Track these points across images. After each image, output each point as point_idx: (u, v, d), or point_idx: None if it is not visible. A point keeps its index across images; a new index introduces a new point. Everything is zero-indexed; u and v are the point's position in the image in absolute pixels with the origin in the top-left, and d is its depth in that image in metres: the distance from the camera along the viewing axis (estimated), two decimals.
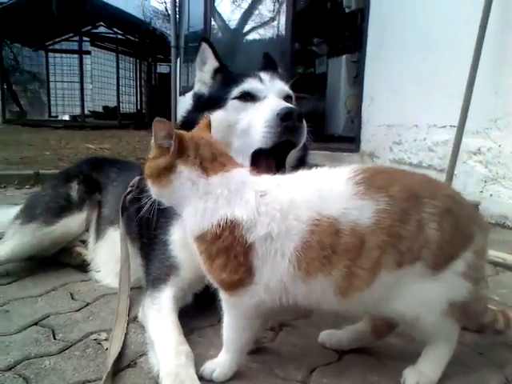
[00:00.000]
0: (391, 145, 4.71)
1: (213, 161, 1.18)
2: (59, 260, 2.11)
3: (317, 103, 7.61)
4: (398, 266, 1.11)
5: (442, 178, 3.78)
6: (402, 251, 1.10)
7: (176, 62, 12.03)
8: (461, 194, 1.28)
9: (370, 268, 1.10)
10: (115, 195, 2.09)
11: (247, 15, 8.99)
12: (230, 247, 1.11)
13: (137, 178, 1.89)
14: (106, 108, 16.64)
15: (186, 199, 1.18)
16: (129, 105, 16.27)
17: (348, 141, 6.01)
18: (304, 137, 1.55)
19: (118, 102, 14.40)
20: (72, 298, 1.77)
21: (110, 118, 14.55)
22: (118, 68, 14.31)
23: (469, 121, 3.29)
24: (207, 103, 1.67)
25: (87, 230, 2.15)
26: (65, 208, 2.12)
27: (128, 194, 1.87)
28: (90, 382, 1.24)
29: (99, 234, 2.09)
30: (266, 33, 8.67)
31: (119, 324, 1.48)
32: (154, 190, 1.23)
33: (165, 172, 1.17)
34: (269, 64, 1.87)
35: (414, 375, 1.20)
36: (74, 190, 2.20)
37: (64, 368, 1.30)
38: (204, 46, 1.71)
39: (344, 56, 7.17)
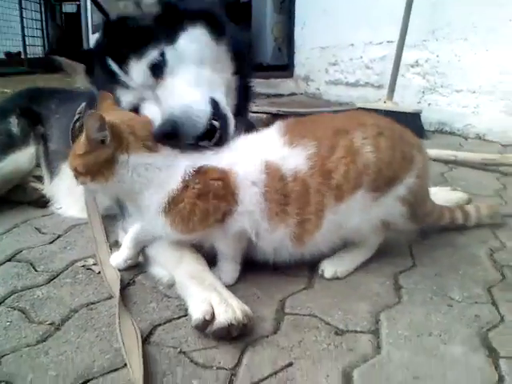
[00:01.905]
0: (327, 66, 4.72)
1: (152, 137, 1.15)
2: (13, 199, 1.95)
3: (243, 32, 7.38)
4: (338, 201, 1.16)
5: (381, 93, 3.89)
6: (339, 185, 1.15)
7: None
8: (393, 122, 1.33)
9: (316, 212, 1.15)
10: (61, 127, 1.94)
11: None
12: (208, 190, 1.12)
13: (83, 104, 1.76)
14: (8, 54, 15.16)
15: (140, 185, 1.13)
16: (35, 48, 14.95)
17: (277, 69, 5.94)
18: (199, 120, 1.21)
19: (24, 45, 13.20)
20: (40, 232, 1.65)
21: (14, 65, 13.33)
22: (21, 9, 13.00)
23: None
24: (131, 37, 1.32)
25: (38, 166, 1.99)
26: (9, 144, 1.94)
27: (76, 121, 1.74)
28: (93, 303, 1.18)
29: (53, 170, 1.94)
30: None
31: (101, 250, 1.42)
32: (92, 188, 1.16)
33: (106, 165, 1.10)
34: None
35: (332, 265, 1.28)
36: (14, 124, 2.00)
37: (60, 295, 1.22)
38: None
39: None
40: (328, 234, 1.22)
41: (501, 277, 1.29)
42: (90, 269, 1.37)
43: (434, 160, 2.33)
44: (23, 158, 1.91)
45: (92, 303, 1.19)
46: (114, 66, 1.33)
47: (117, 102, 1.32)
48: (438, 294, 1.21)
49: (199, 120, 1.20)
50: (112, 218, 1.62)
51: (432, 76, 3.48)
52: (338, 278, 1.28)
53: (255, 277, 1.28)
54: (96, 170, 1.10)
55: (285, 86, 5.34)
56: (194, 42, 1.32)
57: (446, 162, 2.39)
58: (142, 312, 1.15)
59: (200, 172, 1.13)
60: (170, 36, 1.30)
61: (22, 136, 1.94)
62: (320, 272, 1.29)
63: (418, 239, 1.51)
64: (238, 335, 1.01)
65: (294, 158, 1.17)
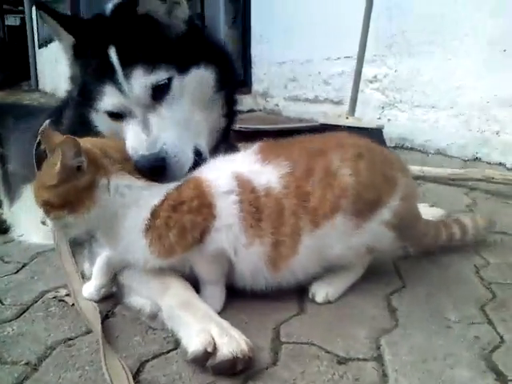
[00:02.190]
0: (285, 82, 4.74)
1: (126, 159, 1.10)
2: None
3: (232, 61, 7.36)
4: (314, 227, 1.12)
5: (340, 109, 3.93)
6: (315, 208, 1.11)
7: (31, 11, 10.81)
8: (373, 143, 1.30)
9: (291, 234, 1.11)
10: (20, 147, 1.81)
11: None
12: (182, 201, 1.07)
13: (47, 122, 1.64)
14: None
15: (124, 206, 1.06)
16: None
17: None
18: (184, 167, 1.21)
19: None
20: (3, 261, 1.52)
21: None
22: None
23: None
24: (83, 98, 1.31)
25: None
26: None
27: (39, 143, 1.62)
28: (71, 339, 1.08)
29: (13, 194, 1.80)
30: None
31: (74, 280, 1.31)
32: (69, 221, 1.04)
33: (85, 193, 1.01)
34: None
35: (323, 288, 1.23)
36: None
37: (33, 331, 1.11)
38: (43, 15, 1.28)
39: None
40: (306, 261, 1.16)
41: (491, 295, 1.28)
42: (63, 300, 1.27)
43: None
44: None
45: (70, 339, 1.08)
46: (115, 60, 1.21)
47: (96, 98, 1.23)
48: (433, 315, 1.18)
49: (184, 166, 1.19)
50: (80, 245, 1.52)
51: (391, 91, 3.54)
52: (329, 302, 1.23)
53: (241, 303, 1.21)
54: (75, 200, 1.00)
55: (242, 102, 5.32)
56: (200, 82, 1.28)
57: (414, 177, 2.41)
58: (126, 347, 1.05)
59: (179, 184, 1.10)
60: (184, 64, 1.24)
61: None
62: (310, 296, 1.24)
63: (401, 255, 1.48)
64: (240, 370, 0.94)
65: (266, 175, 1.13)
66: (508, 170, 2.73)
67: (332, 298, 1.23)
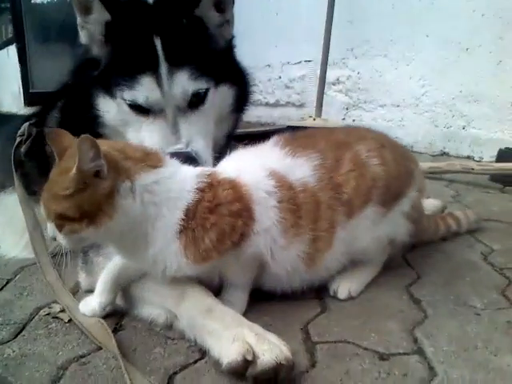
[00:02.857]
0: None
1: (147, 154, 0.97)
2: None
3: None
4: (349, 217, 1.09)
5: (302, 112, 3.94)
6: (350, 200, 1.08)
7: None
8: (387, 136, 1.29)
9: (328, 228, 1.07)
10: None
11: None
12: (219, 202, 0.96)
13: (26, 125, 1.51)
14: None
15: (155, 205, 0.93)
16: None
17: None
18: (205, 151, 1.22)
19: None
20: None
21: None
22: None
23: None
24: (94, 69, 1.23)
25: None
26: None
27: (18, 145, 1.49)
28: (83, 356, 0.96)
29: None
30: None
31: (62, 294, 1.20)
32: (86, 235, 0.89)
33: (106, 201, 0.87)
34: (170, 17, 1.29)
35: (345, 284, 1.19)
36: None
37: (37, 350, 0.98)
38: None
39: None
40: (338, 254, 1.12)
41: (506, 280, 1.27)
42: (57, 317, 1.13)
43: None
44: None
45: (82, 356, 0.97)
46: (161, 53, 1.16)
47: (126, 86, 1.15)
48: (458, 303, 1.15)
49: None
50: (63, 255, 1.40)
51: (354, 93, 3.57)
52: (351, 298, 1.18)
53: (261, 305, 1.13)
54: (94, 209, 0.86)
55: None
56: (224, 99, 1.30)
57: None
58: (148, 360, 0.95)
59: (211, 181, 0.98)
60: (218, 79, 1.25)
61: None
62: (332, 293, 1.18)
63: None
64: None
65: (300, 169, 1.07)
66: (476, 162, 2.79)
67: (355, 294, 1.18)
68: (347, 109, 3.65)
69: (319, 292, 1.20)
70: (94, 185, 0.85)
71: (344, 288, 1.18)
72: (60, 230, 0.88)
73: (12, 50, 6.25)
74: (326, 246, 1.08)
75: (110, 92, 1.19)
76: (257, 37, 4.33)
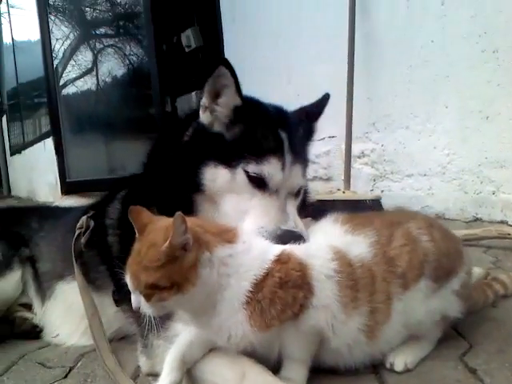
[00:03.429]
0: None
1: (224, 230, 1.10)
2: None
3: None
4: (404, 289, 1.15)
5: (329, 185, 4.04)
6: (404, 273, 1.15)
7: (1, 119, 11.02)
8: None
9: (385, 300, 1.13)
10: (50, 246, 1.79)
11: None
12: (288, 279, 1.04)
13: (84, 218, 1.63)
14: None
15: (227, 276, 1.03)
16: None
17: None
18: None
19: None
20: (45, 366, 1.42)
21: None
22: None
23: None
24: (213, 142, 1.36)
25: (23, 292, 1.77)
26: None
27: (78, 237, 1.60)
28: None
29: (44, 293, 1.73)
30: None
31: (123, 380, 1.25)
32: (172, 304, 1.00)
33: (190, 270, 0.99)
34: (312, 117, 1.64)
35: (401, 356, 1.21)
36: None
37: None
38: (223, 70, 1.30)
39: (193, 93, 7.30)
40: (397, 326, 1.16)
41: None
42: None
43: None
44: (7, 284, 1.71)
45: None
46: (285, 141, 1.36)
47: (251, 159, 1.32)
48: None
49: None
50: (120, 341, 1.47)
51: (380, 164, 3.68)
52: (408, 370, 1.19)
53: (319, 381, 1.16)
54: (181, 279, 0.96)
55: None
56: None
57: None
58: None
59: (280, 259, 1.06)
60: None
61: (5, 260, 1.73)
62: (388, 366, 1.20)
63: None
64: None
65: (358, 245, 1.16)
66: (510, 226, 2.81)
67: (411, 366, 1.20)
68: (374, 180, 3.74)
69: (375, 367, 1.22)
70: (181, 256, 0.96)
71: (401, 360, 1.19)
72: (148, 300, 0.96)
73: (48, 142, 6.66)
74: (384, 317, 1.13)
75: (226, 163, 1.31)
76: None
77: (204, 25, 6.36)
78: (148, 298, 0.96)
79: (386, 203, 3.45)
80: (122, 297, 1.49)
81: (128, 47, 6.51)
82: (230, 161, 1.31)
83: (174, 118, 6.63)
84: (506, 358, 1.22)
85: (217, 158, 1.32)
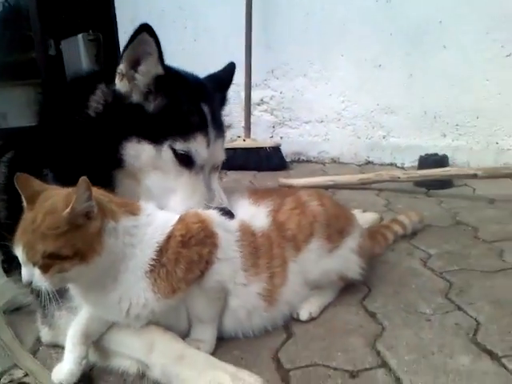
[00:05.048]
0: None
1: (128, 203, 1.07)
2: None
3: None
4: (297, 251, 1.21)
5: (230, 133, 4.00)
6: (294, 235, 1.22)
7: None
8: None
9: (281, 264, 1.18)
10: None
11: None
12: (191, 235, 1.05)
13: None
14: None
15: (131, 246, 1.00)
16: None
17: None
18: None
19: None
20: None
21: None
22: None
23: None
24: (134, 115, 1.25)
25: None
26: None
27: None
28: None
29: None
30: None
31: (22, 355, 1.17)
32: (77, 273, 0.92)
33: (95, 238, 0.93)
34: (223, 86, 1.59)
35: (306, 306, 1.27)
36: None
37: None
38: (146, 37, 1.20)
39: (80, 35, 6.74)
40: (294, 287, 1.21)
41: (448, 283, 1.39)
42: (23, 382, 1.10)
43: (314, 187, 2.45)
44: None
45: None
46: (208, 115, 1.30)
47: (178, 137, 1.24)
48: (409, 311, 1.25)
49: None
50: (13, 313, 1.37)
51: (279, 111, 3.70)
52: (313, 319, 1.24)
53: (228, 340, 1.16)
54: (87, 247, 0.91)
55: None
56: None
57: (326, 187, 2.53)
58: None
59: (180, 218, 1.07)
60: None
61: None
62: (295, 316, 1.24)
63: None
64: None
65: (259, 216, 1.22)
66: (398, 168, 3.01)
67: (315, 315, 1.25)
68: (274, 127, 3.76)
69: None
70: (85, 224, 0.90)
71: (305, 310, 1.24)
72: (46, 271, 0.88)
73: None
74: (281, 280, 1.17)
75: (150, 137, 1.22)
76: (177, 65, 4.37)
77: None
78: (46, 269, 0.88)
79: (285, 149, 3.52)
80: (12, 266, 1.38)
81: None
82: (155, 137, 1.23)
83: (60, 64, 6.11)
84: (400, 300, 1.31)
85: (140, 132, 1.22)
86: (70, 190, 0.93)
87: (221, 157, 1.38)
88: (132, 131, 1.23)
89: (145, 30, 1.18)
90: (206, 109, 1.31)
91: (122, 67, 1.24)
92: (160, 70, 1.25)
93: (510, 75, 2.63)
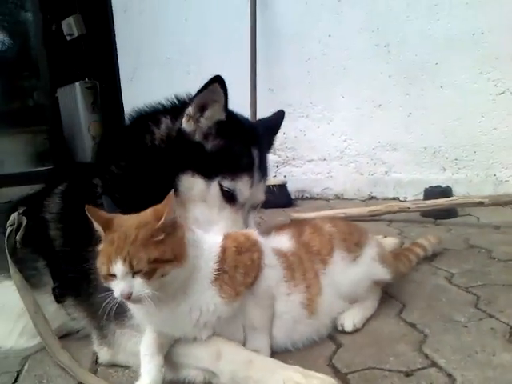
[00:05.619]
0: None
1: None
2: None
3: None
4: (324, 264, 1.33)
5: None
6: (319, 249, 1.35)
7: None
8: None
9: (314, 276, 1.30)
10: None
11: None
12: (241, 246, 1.19)
13: (15, 214, 1.54)
14: None
15: (196, 259, 1.11)
16: None
17: None
18: None
19: None
20: None
21: None
22: None
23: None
24: (193, 152, 1.38)
25: None
26: None
27: (10, 234, 1.50)
28: None
29: None
30: None
31: (84, 375, 1.23)
32: (175, 276, 1.03)
33: (183, 244, 1.09)
34: (272, 131, 1.77)
35: (349, 317, 1.37)
36: None
37: None
38: (217, 88, 1.33)
39: (77, 83, 6.91)
40: (330, 298, 1.31)
41: (475, 296, 1.50)
42: None
43: None
44: None
45: None
46: (256, 159, 1.43)
47: (228, 174, 1.37)
48: (446, 321, 1.35)
49: None
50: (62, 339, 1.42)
51: (282, 151, 3.84)
52: (357, 330, 1.33)
53: (279, 354, 1.22)
54: (180, 251, 1.02)
55: None
56: None
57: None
58: None
59: (226, 236, 1.20)
60: None
61: None
62: (340, 328, 1.34)
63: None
64: None
65: (284, 241, 1.36)
66: (401, 201, 3.15)
67: (359, 325, 1.35)
68: (277, 166, 3.90)
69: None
70: (173, 232, 1.02)
71: (349, 321, 1.34)
72: (150, 277, 0.97)
73: None
74: (317, 290, 1.28)
75: (204, 173, 1.35)
76: None
77: (88, 13, 6.06)
78: (150, 275, 0.96)
79: (290, 187, 3.65)
80: (64, 292, 1.45)
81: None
82: (207, 173, 1.36)
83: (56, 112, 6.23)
84: (435, 311, 1.42)
85: (195, 167, 1.36)
86: (156, 206, 1.04)
87: (261, 197, 1.49)
88: (189, 165, 1.36)
89: (217, 81, 1.33)
90: (255, 152, 1.44)
91: (190, 109, 1.38)
92: (223, 117, 1.40)
93: (503, 111, 2.84)
